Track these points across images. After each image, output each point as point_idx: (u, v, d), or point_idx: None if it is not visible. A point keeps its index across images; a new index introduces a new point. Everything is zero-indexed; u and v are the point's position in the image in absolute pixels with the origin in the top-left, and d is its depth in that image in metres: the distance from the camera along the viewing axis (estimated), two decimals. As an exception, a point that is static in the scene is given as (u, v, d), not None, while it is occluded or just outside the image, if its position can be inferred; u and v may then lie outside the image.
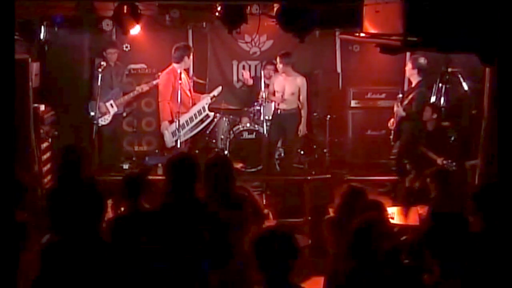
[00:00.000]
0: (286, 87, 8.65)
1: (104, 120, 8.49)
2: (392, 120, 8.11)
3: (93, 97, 8.50)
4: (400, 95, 8.16)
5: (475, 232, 3.69)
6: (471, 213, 4.01)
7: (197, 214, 4.08)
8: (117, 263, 3.46)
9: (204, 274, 3.97)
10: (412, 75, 8.02)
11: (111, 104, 8.53)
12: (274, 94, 8.69)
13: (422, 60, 7.86)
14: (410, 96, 7.92)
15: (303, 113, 8.72)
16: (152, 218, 4.10)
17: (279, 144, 8.86)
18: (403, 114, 7.93)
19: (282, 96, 8.61)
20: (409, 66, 8.01)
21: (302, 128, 8.73)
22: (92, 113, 8.41)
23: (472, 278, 3.32)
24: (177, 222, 4.02)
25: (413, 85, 8.08)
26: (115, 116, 8.66)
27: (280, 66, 8.53)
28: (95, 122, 8.31)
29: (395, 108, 7.99)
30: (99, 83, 8.20)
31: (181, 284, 3.88)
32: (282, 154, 8.81)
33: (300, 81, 8.67)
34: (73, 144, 7.27)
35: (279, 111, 8.69)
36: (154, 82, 8.52)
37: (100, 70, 8.21)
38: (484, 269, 3.41)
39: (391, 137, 8.14)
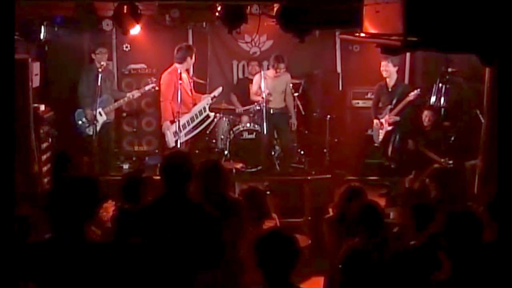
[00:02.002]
0: (276, 87, 8.69)
1: (91, 130, 8.16)
2: (376, 121, 8.28)
3: (79, 104, 8.34)
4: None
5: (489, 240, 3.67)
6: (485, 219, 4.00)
7: (189, 212, 4.03)
8: (104, 263, 3.45)
9: (195, 274, 3.94)
10: (391, 74, 8.28)
11: (100, 113, 8.21)
12: (257, 94, 8.64)
13: (396, 58, 8.12)
14: (399, 92, 8.12)
15: (290, 107, 8.88)
16: (141, 216, 4.07)
17: (275, 142, 8.87)
18: (397, 119, 8.21)
19: (270, 94, 8.61)
20: (388, 65, 8.21)
21: (294, 122, 8.91)
22: (80, 122, 8.26)
23: (484, 279, 3.32)
24: (167, 220, 3.96)
25: (392, 83, 8.32)
26: (113, 119, 8.67)
27: (275, 67, 8.55)
28: (82, 132, 8.23)
29: (387, 118, 8.20)
30: (86, 88, 8.23)
31: (171, 284, 3.85)
32: (281, 154, 8.81)
33: (288, 78, 8.80)
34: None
35: (271, 110, 8.69)
36: (146, 88, 8.44)
37: (100, 70, 8.22)
38: (496, 272, 3.40)
39: (380, 137, 8.26)
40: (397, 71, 8.33)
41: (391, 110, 8.26)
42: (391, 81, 8.32)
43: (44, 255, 3.38)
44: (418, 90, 8.10)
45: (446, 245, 3.36)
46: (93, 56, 8.42)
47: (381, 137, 8.39)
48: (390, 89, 8.34)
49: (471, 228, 3.37)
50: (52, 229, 3.47)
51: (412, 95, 8.07)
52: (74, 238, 3.38)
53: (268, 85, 8.60)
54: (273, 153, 8.68)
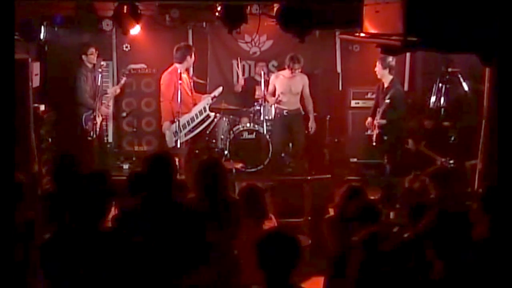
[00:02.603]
0: (292, 87, 8.68)
1: (95, 133, 8.20)
2: (369, 119, 8.23)
3: (86, 108, 8.31)
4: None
5: (480, 237, 3.67)
6: (478, 216, 3.99)
7: (172, 212, 4.01)
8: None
9: (181, 274, 3.92)
10: (383, 76, 8.15)
11: (97, 115, 8.28)
12: (274, 95, 8.67)
13: (390, 59, 8.01)
14: (388, 96, 7.99)
15: (310, 108, 8.85)
16: (129, 217, 4.06)
17: (290, 145, 8.87)
18: (384, 122, 8.06)
19: (286, 96, 8.62)
20: (379, 67, 8.09)
21: (312, 125, 8.87)
22: (86, 127, 8.22)
23: (476, 278, 3.32)
24: (151, 220, 3.95)
25: (386, 85, 8.18)
26: (112, 117, 8.69)
27: (290, 67, 8.52)
28: (88, 135, 8.20)
29: (375, 121, 8.11)
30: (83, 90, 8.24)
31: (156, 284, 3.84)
32: (292, 155, 8.79)
33: (305, 79, 8.76)
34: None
35: (284, 111, 8.69)
36: (122, 81, 8.65)
37: (100, 70, 8.25)
38: (489, 270, 3.40)
39: (374, 138, 8.21)
40: (389, 73, 8.13)
41: (379, 112, 8.19)
42: (385, 83, 8.25)
43: (58, 252, 3.39)
44: (389, 100, 7.99)
45: (436, 244, 3.38)
46: (83, 57, 8.35)
47: (374, 137, 8.34)
48: (384, 90, 8.28)
49: (460, 227, 3.38)
50: (63, 226, 3.49)
51: (385, 103, 7.97)
52: (89, 233, 3.39)
53: (283, 85, 8.63)
54: (283, 154, 8.69)
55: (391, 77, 8.18)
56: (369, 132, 8.81)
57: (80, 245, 3.38)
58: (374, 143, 8.33)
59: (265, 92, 8.48)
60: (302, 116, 8.86)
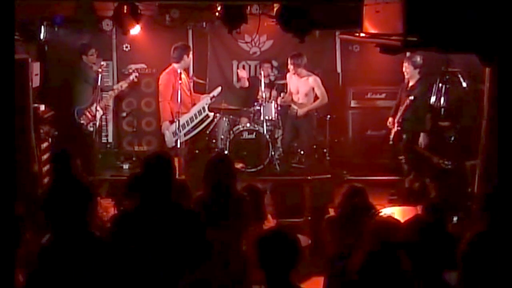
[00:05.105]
0: (300, 88, 8.69)
1: (92, 126, 8.24)
2: (390, 119, 8.13)
3: (79, 102, 8.35)
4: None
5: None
6: (478, 216, 3.99)
7: (171, 213, 4.00)
8: (111, 260, 3.47)
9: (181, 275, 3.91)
10: (413, 75, 8.06)
11: (96, 108, 8.29)
12: (291, 95, 8.76)
13: (418, 58, 7.97)
14: (412, 95, 7.97)
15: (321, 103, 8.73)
16: (128, 218, 4.05)
17: (296, 145, 8.89)
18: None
19: (296, 96, 8.71)
20: (408, 67, 8.02)
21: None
22: (82, 121, 8.26)
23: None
24: (150, 222, 3.94)
25: (412, 83, 8.11)
26: (112, 117, 8.70)
27: (291, 67, 8.54)
28: (85, 130, 8.25)
29: (396, 119, 8.04)
30: (98, 85, 8.24)
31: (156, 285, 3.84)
32: (302, 158, 8.80)
33: (313, 80, 8.67)
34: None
35: (293, 111, 8.71)
36: (131, 78, 8.64)
37: (100, 70, 8.26)
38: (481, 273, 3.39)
39: (391, 136, 8.13)
40: (419, 72, 8.03)
41: (400, 110, 8.13)
42: (411, 82, 8.13)
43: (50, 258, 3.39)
44: (412, 97, 7.95)
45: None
46: (84, 57, 8.39)
47: (392, 136, 8.26)
48: (408, 89, 8.19)
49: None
50: (51, 232, 3.50)
51: (409, 100, 7.95)
52: (76, 239, 3.39)
53: (292, 85, 8.71)
54: (298, 155, 8.72)
55: (419, 76, 8.08)
56: (369, 132, 8.81)
57: (75, 250, 3.38)
58: (391, 142, 8.21)
59: (278, 94, 8.60)
60: (314, 117, 8.82)
